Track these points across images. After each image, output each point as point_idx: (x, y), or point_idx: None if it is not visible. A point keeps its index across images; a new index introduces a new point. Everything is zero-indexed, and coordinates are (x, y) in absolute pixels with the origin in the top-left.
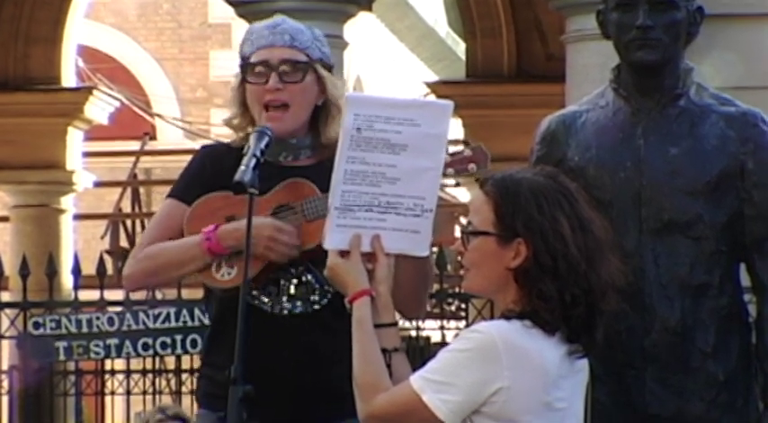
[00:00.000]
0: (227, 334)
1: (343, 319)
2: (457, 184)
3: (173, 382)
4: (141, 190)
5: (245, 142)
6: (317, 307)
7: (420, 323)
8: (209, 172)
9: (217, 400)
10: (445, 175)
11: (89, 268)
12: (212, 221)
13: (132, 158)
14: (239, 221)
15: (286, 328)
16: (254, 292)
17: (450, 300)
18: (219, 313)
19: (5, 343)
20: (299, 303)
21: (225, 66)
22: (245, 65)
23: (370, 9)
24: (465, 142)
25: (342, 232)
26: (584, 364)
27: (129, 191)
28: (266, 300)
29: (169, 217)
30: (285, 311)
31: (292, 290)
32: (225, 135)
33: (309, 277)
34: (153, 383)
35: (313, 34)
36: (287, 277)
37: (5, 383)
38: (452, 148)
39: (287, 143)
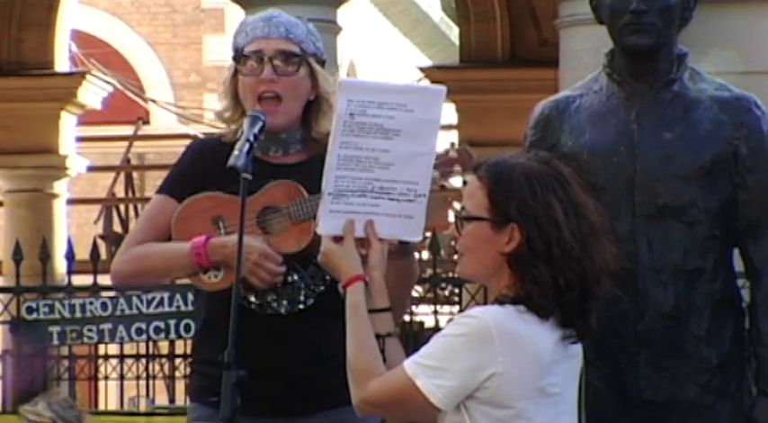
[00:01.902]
0: (217, 331)
1: (332, 317)
2: (442, 187)
3: (166, 367)
4: (135, 175)
5: (236, 136)
6: (301, 307)
7: (413, 308)
8: (199, 167)
9: (208, 393)
10: (432, 179)
11: (82, 253)
12: (200, 222)
13: (126, 143)
14: (229, 238)
15: (273, 327)
16: (242, 292)
17: (443, 285)
18: (209, 311)
19: None
20: (285, 303)
21: (218, 50)
22: (239, 56)
23: None
24: (450, 143)
25: (335, 218)
26: (577, 349)
27: (122, 176)
28: (253, 299)
29: (159, 213)
30: (271, 311)
31: (279, 290)
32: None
33: (296, 278)
34: (146, 368)
35: (307, 29)
36: None
37: None
38: (438, 150)
39: (277, 138)
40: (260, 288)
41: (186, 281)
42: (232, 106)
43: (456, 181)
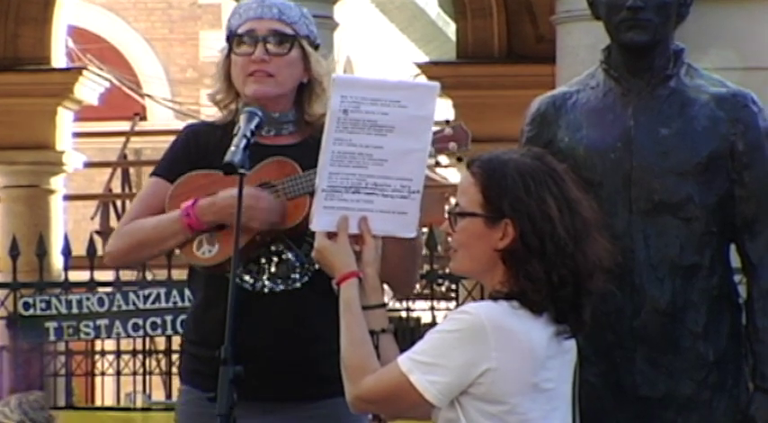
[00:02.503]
0: (209, 312)
1: (325, 297)
2: (437, 164)
3: (163, 362)
4: (131, 170)
5: (228, 119)
6: (297, 285)
7: (410, 304)
8: (193, 151)
9: (200, 376)
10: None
11: (79, 249)
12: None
13: (122, 139)
14: (216, 196)
15: (267, 306)
16: (237, 271)
17: (440, 280)
18: (203, 291)
19: None
20: (279, 281)
21: (215, 46)
22: (232, 37)
23: None
24: (446, 121)
25: (329, 214)
26: (571, 344)
27: (119, 171)
28: (248, 278)
29: (152, 195)
30: (266, 290)
31: (273, 268)
32: (215, 115)
33: (290, 255)
34: (143, 364)
35: (301, 11)
36: (267, 256)
37: None
38: (433, 127)
39: (270, 116)
40: (263, 229)
41: (183, 277)
42: (225, 89)
43: (452, 174)
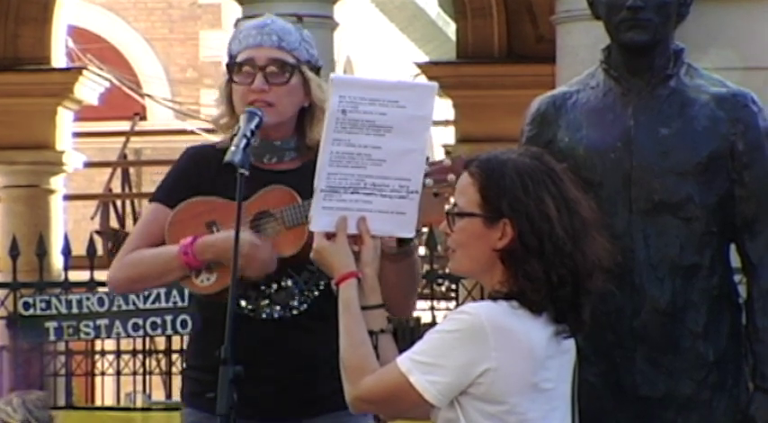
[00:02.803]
0: (208, 337)
1: (325, 323)
2: (435, 195)
3: (163, 362)
4: (131, 170)
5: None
6: (295, 312)
7: None
8: (193, 173)
9: (202, 398)
10: (424, 185)
11: (79, 249)
12: (193, 227)
13: (122, 139)
14: (215, 235)
15: (266, 332)
16: (235, 294)
17: (440, 280)
18: (201, 318)
19: None
20: (278, 308)
21: (215, 46)
22: (232, 64)
23: None
24: (446, 152)
25: (328, 214)
26: (570, 344)
27: (119, 171)
28: (245, 304)
29: (153, 222)
30: (264, 316)
31: (272, 295)
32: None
33: (289, 283)
34: (143, 364)
35: (301, 35)
36: (267, 282)
37: None
38: (433, 158)
39: (271, 145)
40: (253, 279)
41: None
42: (228, 113)
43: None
